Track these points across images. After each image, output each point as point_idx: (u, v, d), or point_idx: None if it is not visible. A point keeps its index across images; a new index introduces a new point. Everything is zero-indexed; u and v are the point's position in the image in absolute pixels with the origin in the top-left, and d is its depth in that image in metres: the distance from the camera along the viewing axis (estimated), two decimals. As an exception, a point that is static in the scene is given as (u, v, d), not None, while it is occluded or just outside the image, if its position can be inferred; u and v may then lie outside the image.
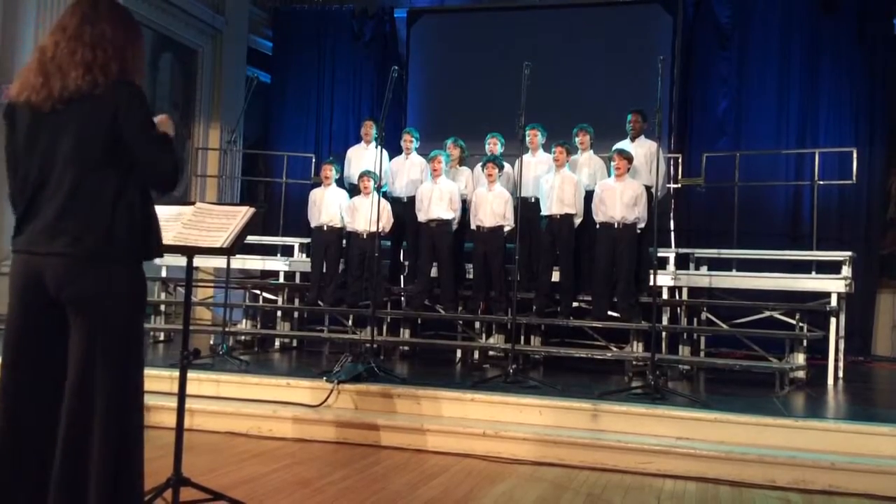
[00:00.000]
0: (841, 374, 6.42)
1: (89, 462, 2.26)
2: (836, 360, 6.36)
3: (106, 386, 2.29)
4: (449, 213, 6.95)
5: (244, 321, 7.68)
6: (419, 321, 7.38)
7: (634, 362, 6.22)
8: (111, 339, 2.30)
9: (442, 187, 6.99)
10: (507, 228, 6.79)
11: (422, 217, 7.02)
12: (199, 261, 6.72)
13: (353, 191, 7.38)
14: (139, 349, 2.43)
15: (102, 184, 2.30)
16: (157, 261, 7.74)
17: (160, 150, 2.35)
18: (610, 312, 6.59)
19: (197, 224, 3.05)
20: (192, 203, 3.17)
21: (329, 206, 7.31)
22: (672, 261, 7.11)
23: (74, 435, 2.26)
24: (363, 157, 7.52)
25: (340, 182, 7.61)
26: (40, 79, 2.30)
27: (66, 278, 2.26)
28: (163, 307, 7.79)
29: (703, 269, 7.16)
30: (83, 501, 2.25)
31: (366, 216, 6.90)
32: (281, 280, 7.98)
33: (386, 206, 7.04)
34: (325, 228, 7.30)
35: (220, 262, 7.23)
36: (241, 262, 7.84)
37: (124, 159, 2.33)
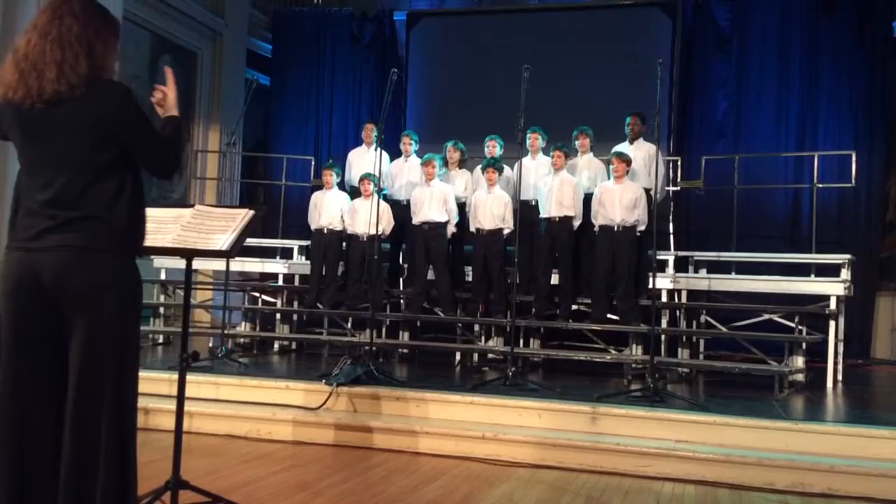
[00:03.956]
0: (840, 377, 6.42)
1: (98, 462, 2.26)
2: (835, 363, 6.36)
3: (109, 384, 2.29)
4: (443, 215, 6.95)
5: (243, 324, 7.68)
6: (418, 324, 7.38)
7: (634, 365, 6.22)
8: (111, 335, 2.29)
9: (435, 190, 7.00)
10: (506, 231, 6.79)
11: (416, 220, 7.03)
12: (198, 263, 6.72)
13: (355, 193, 7.39)
14: (136, 346, 2.42)
15: (98, 180, 2.29)
16: (157, 263, 7.82)
17: (160, 143, 2.43)
18: (609, 315, 6.59)
19: (196, 227, 3.05)
20: (192, 205, 3.17)
21: (329, 208, 7.32)
22: (671, 263, 7.11)
23: (83, 436, 2.25)
24: (364, 159, 7.52)
25: (342, 185, 7.62)
26: (16, 76, 2.28)
27: (65, 274, 2.24)
28: (162, 310, 7.79)
29: (703, 272, 7.16)
30: (91, 502, 2.25)
31: (366, 218, 6.90)
32: (280, 283, 7.97)
33: (386, 209, 7.05)
34: (325, 231, 7.31)
35: (219, 264, 7.22)
36: (240, 264, 7.83)
37: (117, 155, 2.33)
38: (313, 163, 9.64)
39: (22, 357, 2.28)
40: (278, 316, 7.71)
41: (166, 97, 2.58)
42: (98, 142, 2.30)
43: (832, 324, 6.33)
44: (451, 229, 7.02)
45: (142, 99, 2.47)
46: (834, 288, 6.39)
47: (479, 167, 7.21)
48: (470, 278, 7.10)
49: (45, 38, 2.29)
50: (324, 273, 7.34)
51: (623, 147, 6.91)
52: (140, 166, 2.42)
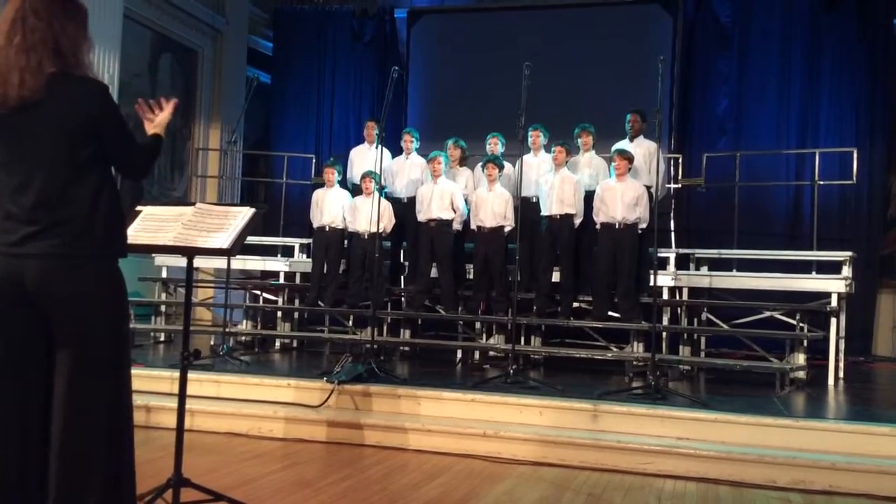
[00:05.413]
0: (841, 374, 6.42)
1: (89, 467, 2.25)
2: (837, 361, 6.35)
3: (99, 389, 2.28)
4: (448, 213, 6.95)
5: (244, 322, 7.68)
6: (419, 322, 7.38)
7: (635, 363, 6.22)
8: (100, 340, 2.29)
9: (441, 188, 6.99)
10: (507, 228, 6.79)
11: (421, 217, 7.03)
12: (199, 261, 6.72)
13: (356, 191, 7.39)
14: (126, 348, 2.41)
15: (77, 179, 2.27)
16: (158, 261, 7.83)
17: (137, 148, 2.43)
18: (610, 313, 6.58)
19: (197, 224, 3.05)
20: (193, 204, 3.18)
21: (331, 206, 7.32)
22: (672, 261, 7.11)
23: (71, 444, 2.24)
24: (366, 157, 7.52)
25: (343, 183, 7.61)
26: None
27: (49, 281, 2.22)
28: (163, 308, 7.79)
29: (704, 270, 7.16)
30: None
31: (367, 216, 6.90)
32: (281, 281, 7.98)
33: (387, 207, 7.04)
34: (327, 229, 7.31)
35: (220, 262, 7.23)
36: (241, 262, 7.84)
37: (95, 152, 2.31)
38: (314, 161, 9.66)
39: (5, 357, 2.26)
40: (279, 314, 7.71)
41: (159, 117, 2.60)
42: (77, 141, 2.27)
43: (833, 321, 6.34)
44: (457, 226, 7.02)
45: (143, 93, 2.46)
46: (835, 285, 6.39)
47: (479, 164, 7.21)
48: (471, 276, 7.10)
49: (9, 43, 2.23)
50: (325, 271, 7.34)
51: (623, 144, 6.91)
52: (113, 164, 2.40)
